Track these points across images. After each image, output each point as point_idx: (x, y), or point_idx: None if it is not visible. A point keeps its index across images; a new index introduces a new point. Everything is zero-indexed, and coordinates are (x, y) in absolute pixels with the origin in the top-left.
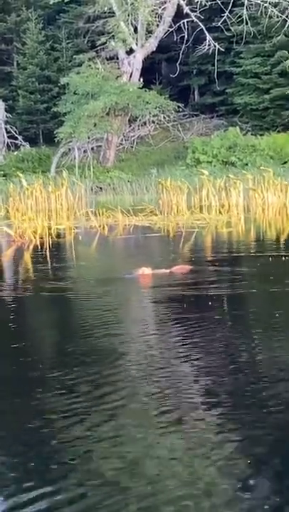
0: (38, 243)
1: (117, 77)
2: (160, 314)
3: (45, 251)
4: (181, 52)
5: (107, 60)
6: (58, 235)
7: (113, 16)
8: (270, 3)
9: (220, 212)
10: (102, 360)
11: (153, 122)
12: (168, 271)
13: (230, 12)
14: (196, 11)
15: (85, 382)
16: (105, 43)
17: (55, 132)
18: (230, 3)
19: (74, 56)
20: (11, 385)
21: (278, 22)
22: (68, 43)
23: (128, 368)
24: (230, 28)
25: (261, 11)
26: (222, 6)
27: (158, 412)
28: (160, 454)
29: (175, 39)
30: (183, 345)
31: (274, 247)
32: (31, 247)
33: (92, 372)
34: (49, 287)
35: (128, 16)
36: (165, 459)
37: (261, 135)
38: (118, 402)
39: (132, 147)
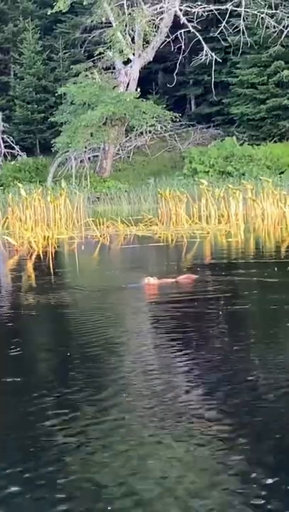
0: (41, 252)
1: (114, 87)
2: (169, 325)
3: (48, 260)
4: (178, 62)
5: (104, 70)
6: (59, 245)
7: (110, 26)
8: (266, 14)
9: (219, 221)
10: (104, 369)
11: (150, 132)
12: (173, 280)
13: (227, 22)
14: (193, 22)
15: (83, 392)
16: (102, 53)
17: (52, 142)
18: (227, 14)
19: (71, 66)
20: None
21: (275, 32)
22: (65, 53)
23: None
24: (227, 38)
25: (258, 22)
26: (219, 17)
27: (153, 425)
28: (154, 468)
29: (172, 49)
30: (188, 355)
31: (275, 257)
32: (34, 256)
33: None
34: (54, 296)
35: (125, 26)
36: (160, 472)
37: (258, 145)
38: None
39: (128, 157)
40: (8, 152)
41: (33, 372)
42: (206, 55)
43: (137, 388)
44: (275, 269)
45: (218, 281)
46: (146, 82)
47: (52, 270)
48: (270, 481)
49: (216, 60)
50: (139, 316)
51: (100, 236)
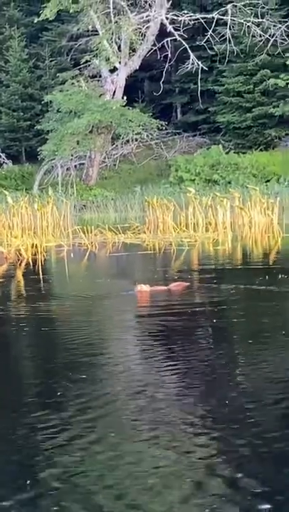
0: (30, 260)
1: (100, 95)
2: (161, 334)
3: (37, 268)
4: (164, 70)
5: (91, 78)
6: (48, 253)
7: (96, 34)
8: (252, 23)
9: (207, 230)
10: (94, 378)
11: (136, 140)
12: (166, 288)
13: (214, 31)
14: (179, 30)
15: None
16: (89, 61)
17: (38, 150)
18: (214, 22)
19: (57, 74)
20: None
21: (261, 41)
22: (51, 61)
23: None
24: (214, 46)
25: (244, 30)
26: (205, 25)
27: (141, 430)
28: (141, 475)
29: (158, 57)
30: (179, 362)
31: (262, 265)
32: (23, 264)
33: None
34: (43, 305)
35: (111, 34)
36: (146, 477)
37: (244, 153)
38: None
39: (114, 165)
40: None
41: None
42: (193, 63)
43: (123, 401)
44: (266, 277)
45: (209, 289)
46: (132, 90)
47: (41, 278)
48: (258, 490)
49: (202, 68)
50: (132, 324)
51: (88, 244)
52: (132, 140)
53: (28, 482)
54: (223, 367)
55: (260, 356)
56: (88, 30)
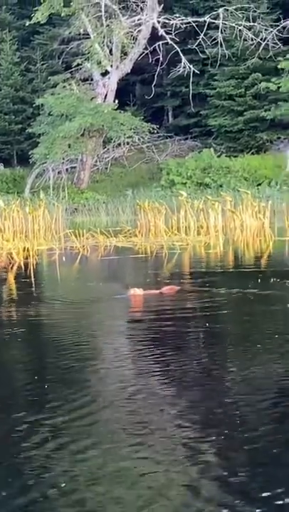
0: (22, 264)
1: (92, 98)
2: (155, 337)
3: (29, 272)
4: (156, 74)
5: (82, 81)
6: (39, 256)
7: (88, 38)
8: (244, 27)
9: (198, 233)
10: (85, 381)
11: (127, 144)
12: (158, 291)
13: (205, 35)
14: (171, 34)
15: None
16: (80, 64)
17: (29, 153)
18: (205, 26)
19: (49, 77)
20: None
21: (252, 45)
22: (43, 64)
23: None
24: (205, 50)
25: (236, 34)
26: (197, 29)
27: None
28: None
29: (150, 61)
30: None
31: (254, 268)
32: (15, 267)
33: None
34: (36, 309)
35: (103, 37)
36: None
37: (235, 157)
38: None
39: (106, 168)
40: None
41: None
42: (184, 66)
43: (113, 408)
44: (258, 280)
45: (201, 293)
46: (124, 94)
47: (33, 281)
48: (251, 493)
49: (193, 71)
50: (125, 328)
51: (80, 247)
52: (124, 143)
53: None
54: (215, 371)
55: (253, 360)
56: (80, 34)
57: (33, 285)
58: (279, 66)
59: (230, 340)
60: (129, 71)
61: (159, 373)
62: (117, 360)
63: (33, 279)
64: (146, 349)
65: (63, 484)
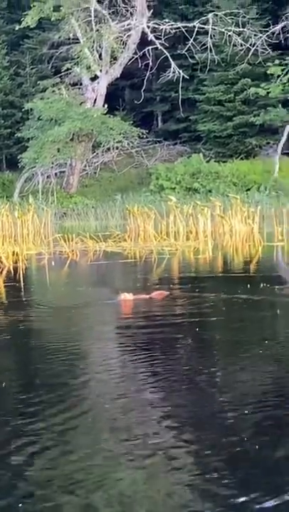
0: (11, 268)
1: (81, 103)
2: (143, 343)
3: (19, 276)
4: (146, 78)
5: (71, 86)
6: (29, 261)
7: (78, 42)
8: (233, 32)
9: (188, 238)
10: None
11: (117, 148)
12: (148, 296)
13: (195, 40)
14: (160, 39)
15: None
16: (70, 68)
17: (18, 157)
18: (195, 31)
19: (38, 82)
20: None
21: (242, 50)
22: (32, 69)
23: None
24: (195, 55)
25: (225, 40)
26: (186, 34)
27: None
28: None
29: (139, 66)
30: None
31: (243, 273)
32: (4, 272)
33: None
34: (25, 314)
35: (93, 42)
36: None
37: (224, 162)
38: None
39: (95, 173)
40: None
41: None
42: (174, 72)
43: (97, 413)
44: (247, 286)
45: (190, 298)
46: (113, 99)
47: (23, 286)
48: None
49: (183, 77)
50: (115, 333)
51: (69, 252)
52: (113, 148)
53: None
54: (203, 377)
55: (242, 366)
56: (69, 38)
57: (23, 290)
58: (268, 72)
59: (220, 346)
60: (118, 76)
61: (146, 379)
62: (105, 365)
63: (22, 284)
64: (135, 355)
65: (39, 492)
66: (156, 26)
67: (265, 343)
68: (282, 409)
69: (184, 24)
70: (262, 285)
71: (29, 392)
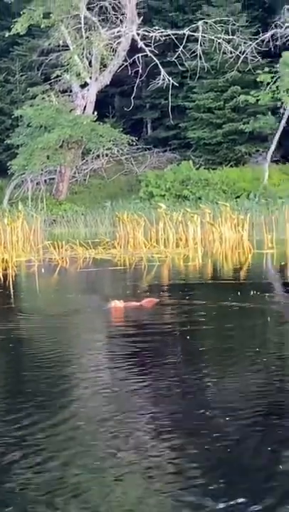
0: (1, 275)
1: (71, 110)
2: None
3: (8, 283)
4: (135, 86)
5: (61, 93)
6: (18, 268)
7: (67, 49)
8: (223, 39)
9: (177, 245)
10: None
11: (106, 155)
12: (138, 304)
13: (184, 47)
14: (150, 46)
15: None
16: (59, 75)
17: (8, 164)
18: (185, 39)
19: (28, 89)
20: None
21: (231, 58)
22: (22, 76)
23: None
24: (184, 63)
25: (215, 47)
26: (176, 41)
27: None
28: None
29: (129, 73)
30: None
31: (234, 280)
32: None
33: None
34: (14, 321)
35: (82, 49)
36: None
37: (214, 169)
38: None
39: (85, 180)
40: None
41: None
42: (163, 79)
43: (80, 420)
44: (238, 293)
45: (180, 305)
46: (103, 106)
47: (12, 293)
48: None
49: (172, 84)
50: (105, 341)
51: (59, 259)
52: (103, 155)
53: None
54: (193, 385)
55: (233, 374)
56: (59, 45)
57: (12, 297)
58: (258, 79)
59: (211, 354)
60: (108, 83)
61: (134, 388)
62: (93, 373)
63: (11, 291)
64: (124, 363)
65: (14, 501)
66: (146, 33)
67: (257, 351)
68: (269, 418)
69: (173, 31)
70: (252, 292)
71: (13, 399)
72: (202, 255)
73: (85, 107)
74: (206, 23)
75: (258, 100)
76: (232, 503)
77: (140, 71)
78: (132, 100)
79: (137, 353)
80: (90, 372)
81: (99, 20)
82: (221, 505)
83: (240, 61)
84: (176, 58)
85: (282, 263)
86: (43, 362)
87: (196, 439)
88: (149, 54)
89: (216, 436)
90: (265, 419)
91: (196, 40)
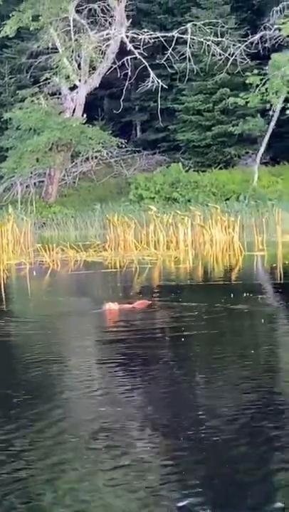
0: None
1: (60, 112)
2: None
3: (0, 286)
4: (124, 88)
5: (50, 95)
6: (9, 270)
7: (56, 52)
8: (212, 42)
9: (168, 247)
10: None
11: (95, 158)
12: (131, 306)
13: (173, 49)
14: (139, 48)
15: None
16: (48, 78)
17: None
18: (174, 41)
19: (17, 91)
20: None
21: (221, 60)
22: (11, 78)
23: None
24: (173, 65)
25: (204, 49)
26: (165, 44)
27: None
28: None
29: (118, 75)
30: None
31: (225, 282)
32: None
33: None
34: (8, 324)
35: (72, 52)
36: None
37: (203, 171)
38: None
39: (74, 182)
40: None
41: None
42: (152, 81)
43: (68, 422)
44: (231, 295)
45: (172, 307)
46: (92, 108)
47: (3, 296)
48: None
49: (162, 86)
50: (100, 343)
51: (50, 262)
52: (92, 158)
53: None
54: (185, 386)
55: (225, 376)
56: (48, 48)
57: (3, 300)
58: (247, 81)
59: (203, 357)
60: (97, 85)
61: (124, 391)
62: (85, 375)
63: (2, 294)
64: (116, 366)
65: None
66: (135, 36)
67: (251, 353)
68: (258, 422)
69: (162, 34)
70: (244, 295)
71: (5, 403)
72: (193, 257)
73: (74, 109)
74: (195, 25)
75: (247, 102)
76: (225, 504)
77: (129, 73)
78: (121, 103)
79: (130, 354)
80: (81, 375)
81: (88, 23)
82: (215, 507)
83: (229, 63)
84: (165, 60)
85: (274, 265)
86: (33, 364)
87: (184, 443)
88: (138, 56)
89: (206, 438)
90: (256, 422)
91: (185, 42)
